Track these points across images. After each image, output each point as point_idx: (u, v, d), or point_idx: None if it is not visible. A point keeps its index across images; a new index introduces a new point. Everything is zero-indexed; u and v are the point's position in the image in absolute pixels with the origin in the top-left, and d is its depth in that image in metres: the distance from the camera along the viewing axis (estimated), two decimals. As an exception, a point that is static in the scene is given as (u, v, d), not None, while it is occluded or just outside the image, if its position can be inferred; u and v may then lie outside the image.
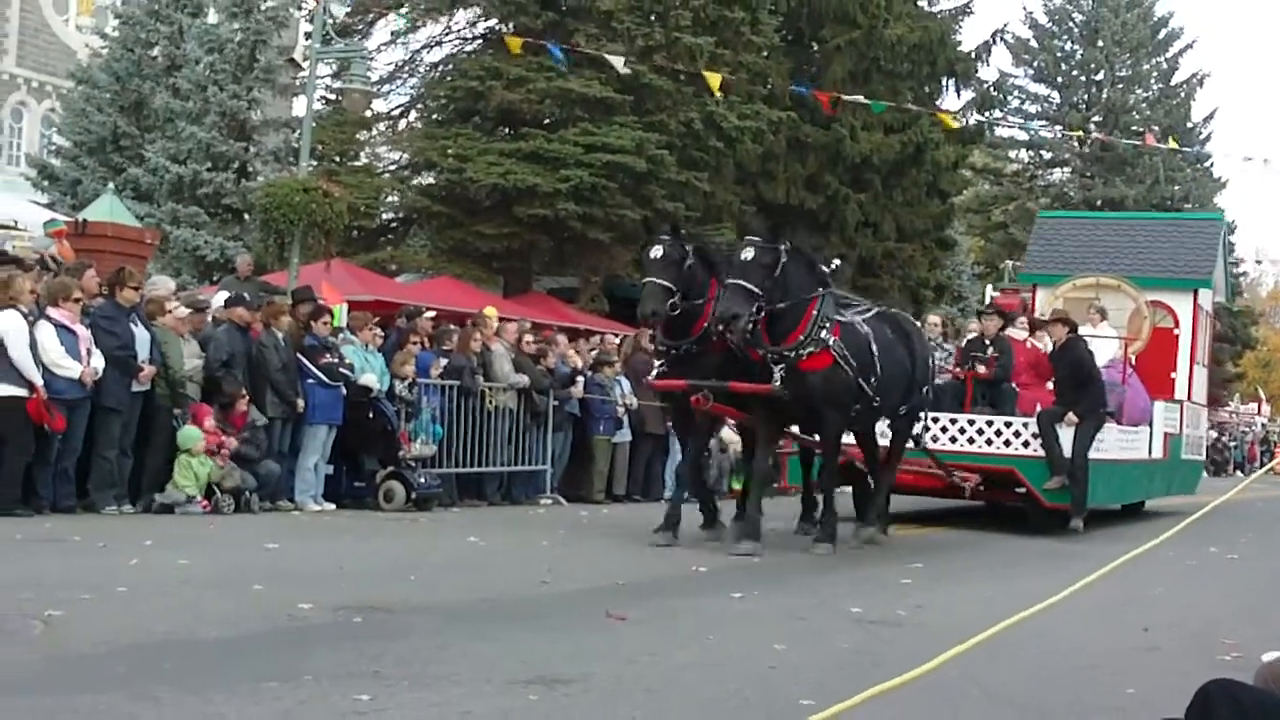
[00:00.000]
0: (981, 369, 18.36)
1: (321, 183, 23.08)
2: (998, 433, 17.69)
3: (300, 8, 37.37)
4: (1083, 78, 65.84)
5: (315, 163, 28.98)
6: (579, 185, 29.16)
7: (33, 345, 13.63)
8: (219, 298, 18.03)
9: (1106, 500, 19.45)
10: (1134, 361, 21.19)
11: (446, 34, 35.08)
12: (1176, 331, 23.08)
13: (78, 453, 14.25)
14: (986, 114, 45.09)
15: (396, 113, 36.29)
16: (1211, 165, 66.98)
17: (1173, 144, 44.54)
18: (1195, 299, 23.22)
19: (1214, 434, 48.05)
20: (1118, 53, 64.93)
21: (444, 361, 18.28)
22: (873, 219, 37.79)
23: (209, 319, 16.81)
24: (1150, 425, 21.00)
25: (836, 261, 16.78)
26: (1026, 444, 17.55)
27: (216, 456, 15.11)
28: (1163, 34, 65.79)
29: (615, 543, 13.91)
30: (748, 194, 35.52)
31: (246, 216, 31.62)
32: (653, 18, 31.57)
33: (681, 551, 13.39)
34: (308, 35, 32.06)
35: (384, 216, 34.44)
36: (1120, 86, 65.18)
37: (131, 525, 13.28)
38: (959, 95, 43.20)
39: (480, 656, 7.59)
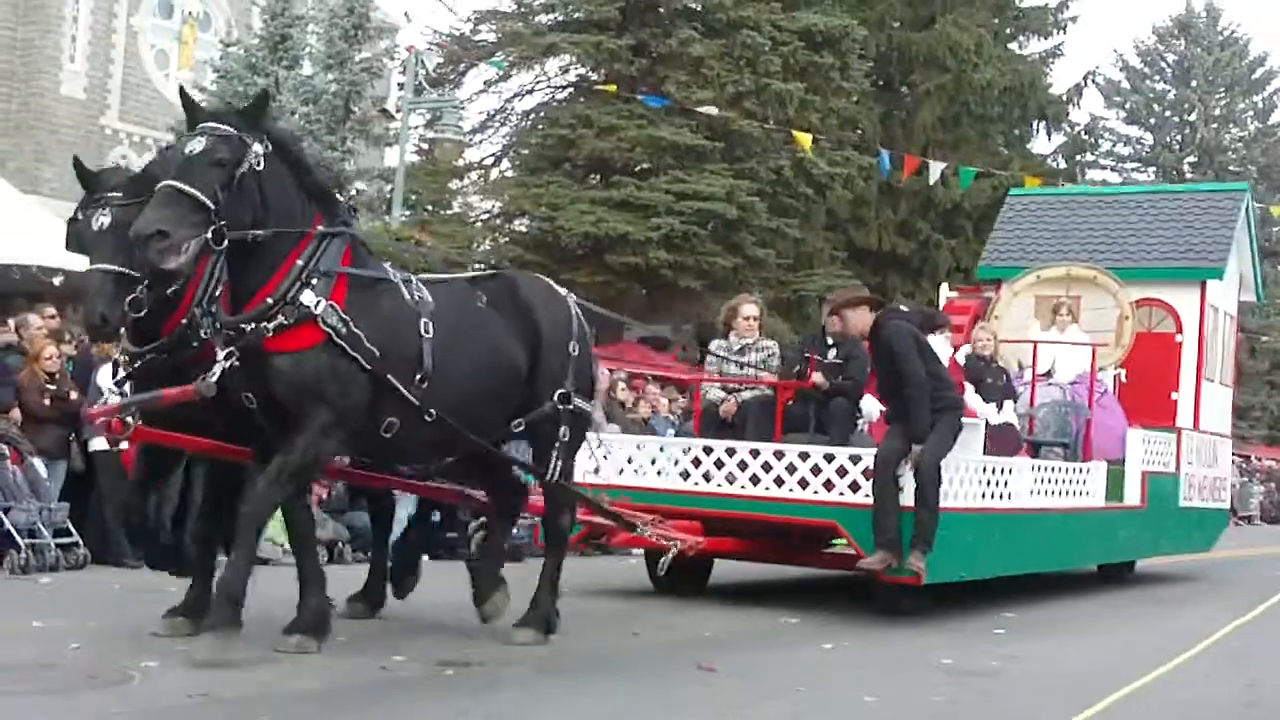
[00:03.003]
0: (818, 377, 12.76)
1: (415, 232, 23.30)
2: (815, 470, 11.84)
3: (394, 59, 37.80)
4: (1176, 118, 65.18)
5: (409, 212, 29.28)
6: (670, 233, 29.23)
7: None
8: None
9: (1014, 567, 13.57)
10: (1122, 376, 16.59)
11: (538, 82, 35.36)
12: (1179, 338, 17.34)
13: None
14: (1078, 157, 44.77)
15: (488, 162, 36.59)
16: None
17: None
18: (1203, 295, 17.35)
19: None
20: (1211, 92, 64.24)
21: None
22: (964, 264, 37.60)
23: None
24: (1122, 461, 15.85)
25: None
26: (856, 486, 11.67)
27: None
28: (1259, 73, 65.02)
29: (703, 593, 13.79)
30: (839, 240, 35.50)
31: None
32: (743, 64, 31.66)
33: (771, 600, 13.23)
34: (401, 86, 32.46)
35: (477, 265, 34.60)
36: (1215, 126, 64.45)
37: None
38: (1050, 138, 43.06)
39: (572, 709, 7.57)
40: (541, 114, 34.60)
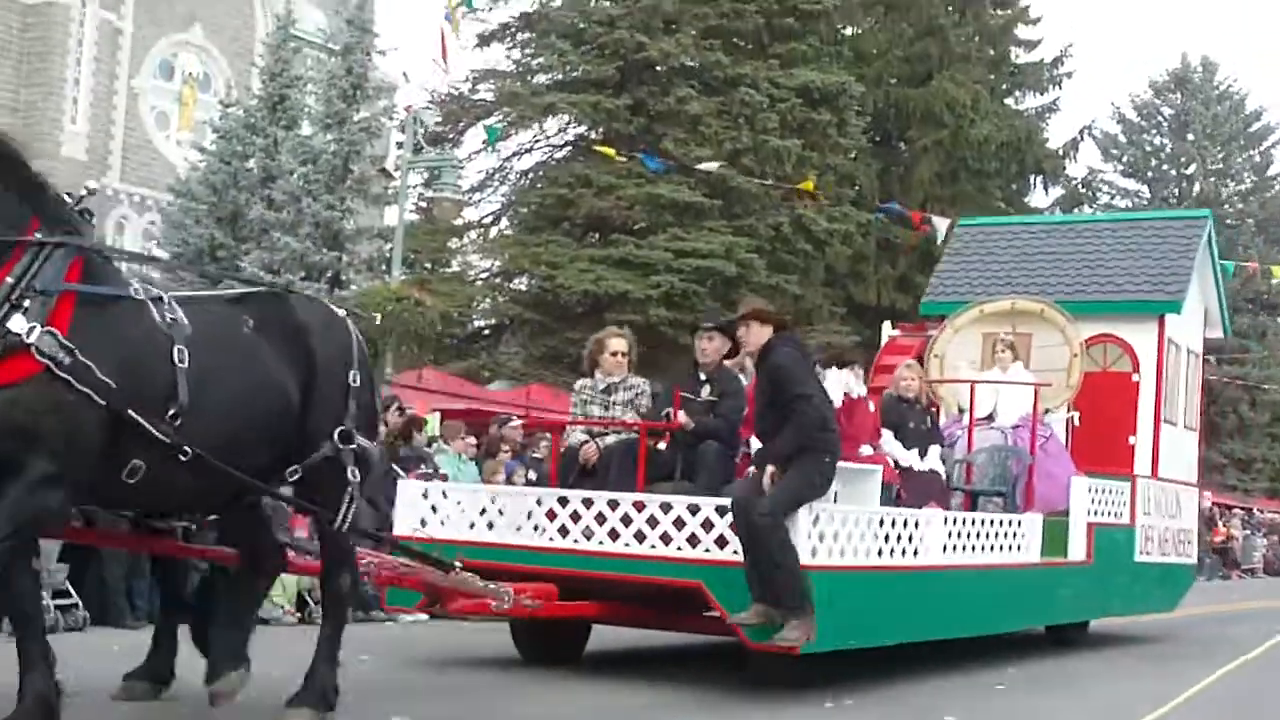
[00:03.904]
0: (683, 417, 11.14)
1: (414, 291, 23.34)
2: (678, 523, 10.18)
3: (392, 118, 37.97)
4: (1173, 171, 65.46)
5: (408, 271, 29.33)
6: (669, 291, 29.31)
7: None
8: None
9: (923, 632, 11.78)
10: (1075, 420, 15.24)
11: (536, 141, 35.50)
12: (1136, 377, 15.83)
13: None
14: (1076, 211, 44.98)
15: (488, 220, 36.76)
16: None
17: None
18: (1161, 330, 15.86)
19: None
20: (1209, 146, 64.52)
21: (533, 474, 18.16)
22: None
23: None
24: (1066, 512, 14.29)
25: None
26: (724, 542, 10.03)
27: (308, 567, 15.09)
28: (1255, 126, 65.30)
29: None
30: (838, 296, 35.54)
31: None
32: (740, 121, 31.80)
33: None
34: (400, 145, 32.61)
35: (476, 324, 34.72)
36: (1213, 180, 64.71)
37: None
38: (1047, 192, 43.19)
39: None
40: (540, 173, 34.74)
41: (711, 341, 11.32)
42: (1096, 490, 14.52)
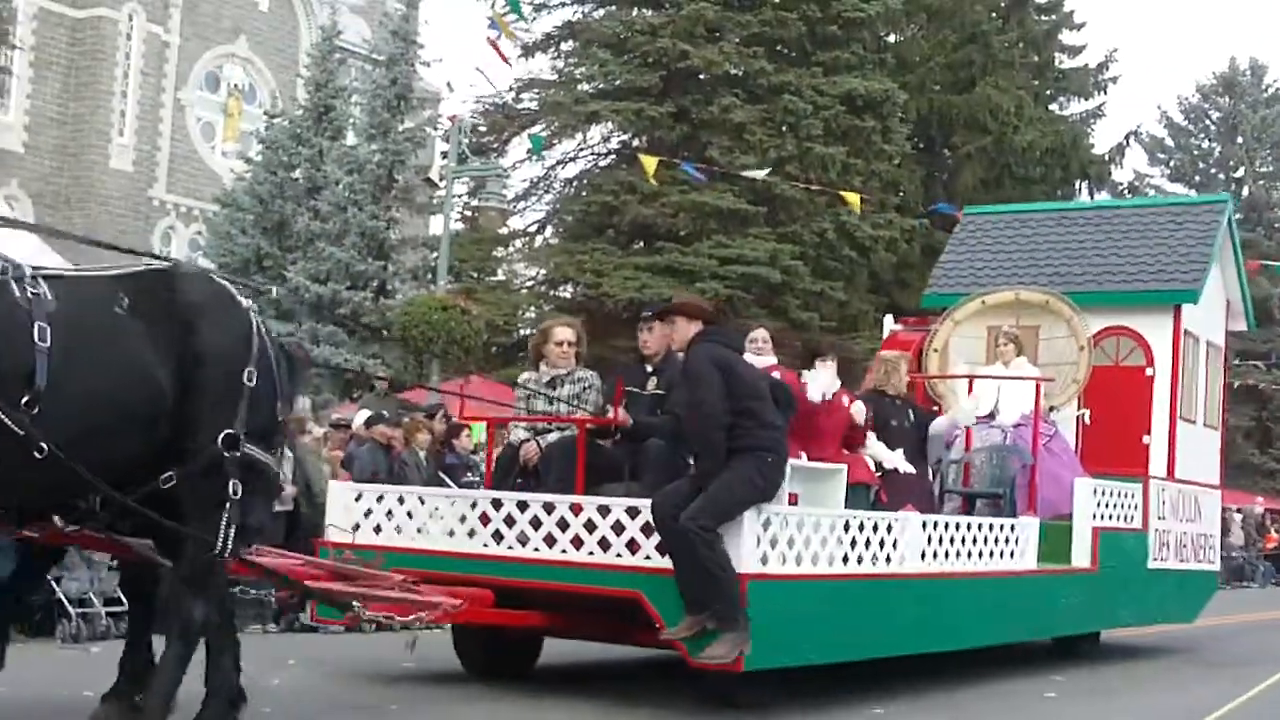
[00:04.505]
0: (624, 412, 10.21)
1: (459, 300, 23.42)
2: (617, 528, 9.34)
3: (437, 128, 38.12)
4: (1221, 175, 64.92)
5: (453, 280, 29.44)
6: (714, 297, 29.26)
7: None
8: (360, 417, 18.22)
9: (899, 645, 10.74)
10: (1086, 418, 14.51)
11: (580, 150, 35.56)
12: (1150, 372, 14.78)
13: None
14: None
15: (532, 229, 36.81)
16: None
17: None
18: (1177, 321, 14.83)
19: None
20: (1258, 149, 63.96)
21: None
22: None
23: (350, 437, 16.95)
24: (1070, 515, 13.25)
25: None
26: (665, 548, 9.12)
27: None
28: (1305, 129, 64.76)
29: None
30: (882, 302, 35.43)
31: (385, 334, 32.09)
32: (784, 129, 31.78)
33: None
34: (444, 155, 32.72)
35: (521, 332, 34.79)
36: (1262, 183, 64.20)
37: (275, 645, 13.32)
38: (1093, 198, 42.98)
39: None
40: (584, 181, 34.80)
41: (653, 330, 10.50)
42: (1103, 493, 13.54)
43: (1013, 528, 12.03)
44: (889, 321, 16.84)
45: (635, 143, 33.14)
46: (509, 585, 9.63)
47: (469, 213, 35.03)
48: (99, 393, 6.66)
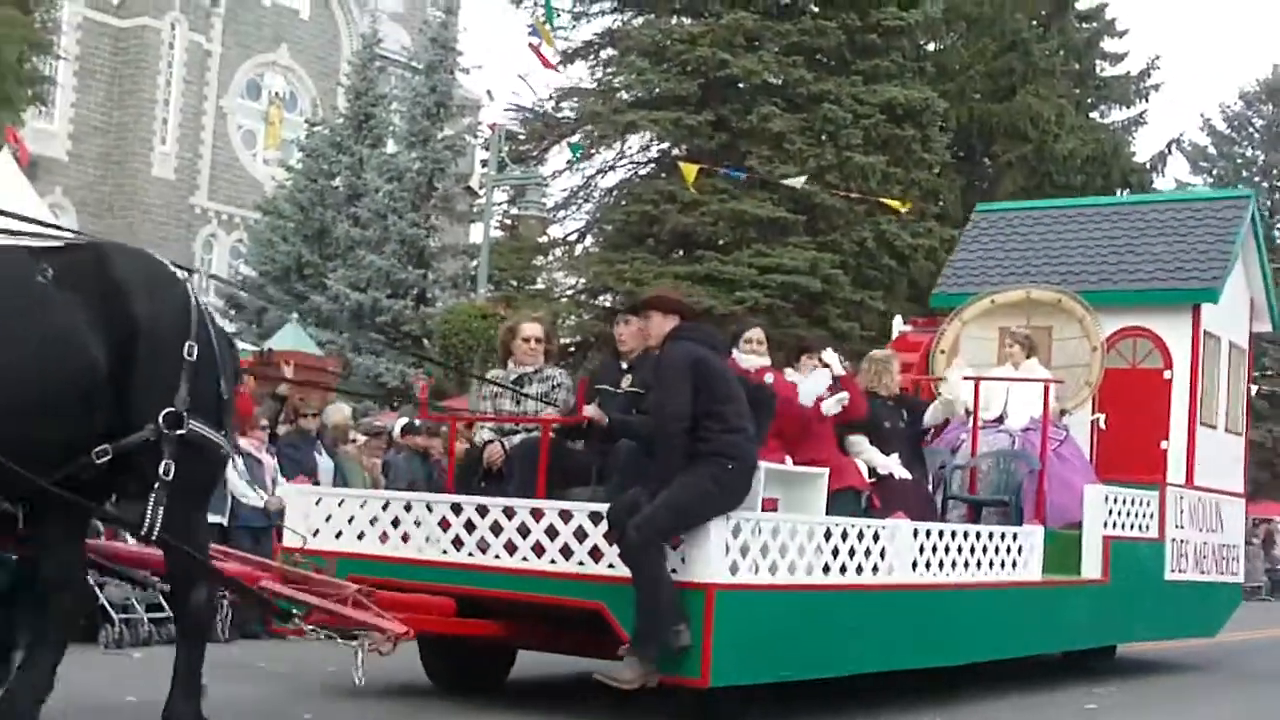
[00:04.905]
0: (592, 410, 9.66)
1: (499, 308, 23.46)
2: (580, 535, 8.75)
3: (476, 136, 38.25)
4: (1265, 184, 64.55)
5: (493, 288, 29.50)
6: (754, 306, 29.27)
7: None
8: (398, 425, 18.28)
9: (884, 661, 10.03)
10: (1101, 423, 13.97)
11: (619, 159, 35.61)
12: (1167, 374, 14.17)
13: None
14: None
15: (572, 237, 36.85)
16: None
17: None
18: (1196, 321, 14.20)
19: None
20: (1302, 157, 63.57)
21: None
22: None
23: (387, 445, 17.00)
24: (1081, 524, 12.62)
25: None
26: None
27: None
28: (1350, 137, 64.29)
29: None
30: (922, 311, 35.36)
31: (426, 342, 32.20)
32: (824, 138, 31.76)
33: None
34: (484, 163, 32.85)
35: (562, 340, 34.83)
36: (1306, 191, 63.78)
37: (317, 651, 13.31)
38: (1132, 206, 42.74)
39: None
40: (624, 190, 34.84)
41: (629, 325, 9.99)
42: (1116, 500, 12.85)
43: (1015, 536, 11.47)
44: (898, 323, 16.62)
45: (674, 151, 33.15)
46: (469, 594, 9.09)
47: (509, 221, 35.13)
48: (17, 366, 6.17)
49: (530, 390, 10.18)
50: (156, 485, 6.51)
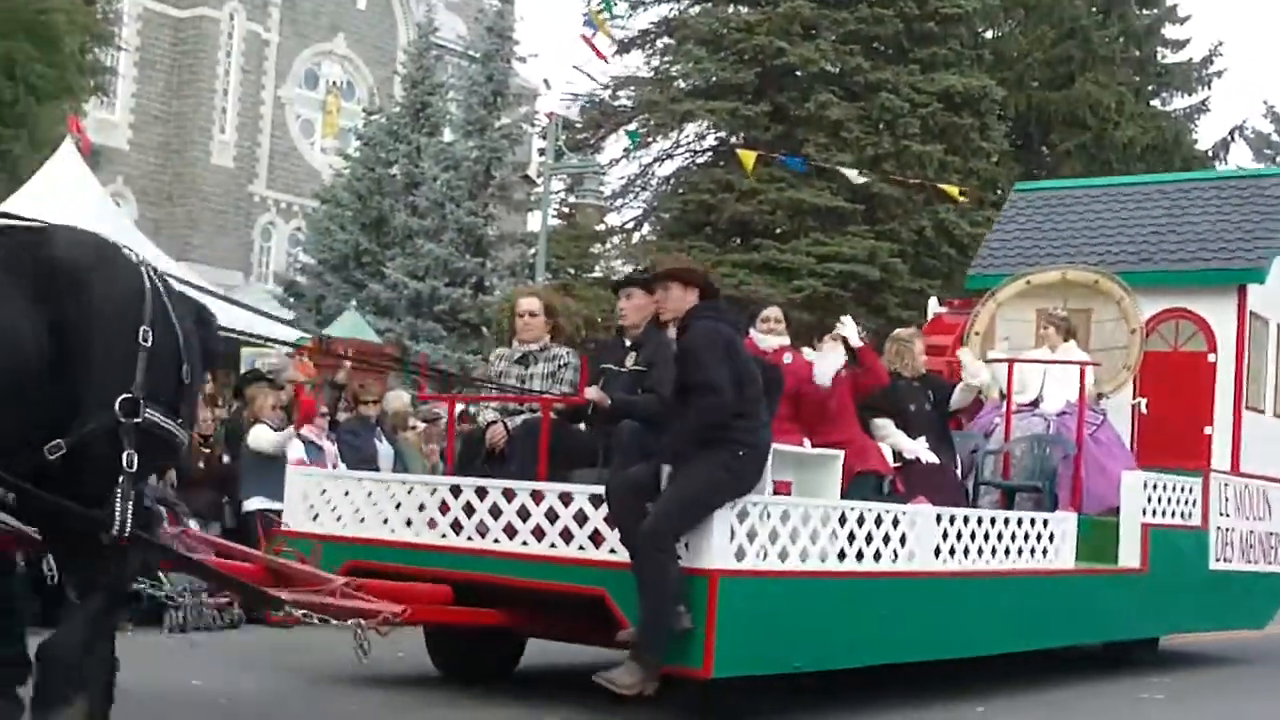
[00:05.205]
0: (593, 392, 9.25)
1: (558, 296, 23.42)
2: (580, 518, 8.37)
3: (533, 124, 38.30)
4: (1328, 173, 63.93)
5: (551, 276, 29.52)
6: (812, 295, 29.21)
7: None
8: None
9: (908, 652, 9.60)
10: (1142, 407, 13.32)
11: (676, 148, 35.60)
12: (1212, 358, 13.59)
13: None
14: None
15: (630, 226, 36.90)
16: None
17: None
18: (1242, 303, 13.56)
19: None
20: (1368, 145, 62.89)
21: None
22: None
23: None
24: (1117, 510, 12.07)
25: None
26: None
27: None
28: None
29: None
30: (981, 300, 35.29)
31: (484, 330, 32.28)
32: (881, 127, 31.67)
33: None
34: (541, 151, 32.89)
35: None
36: (1369, 181, 63.06)
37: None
38: (1196, 195, 42.37)
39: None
40: (681, 178, 34.84)
41: (631, 299, 9.46)
42: (1155, 486, 12.27)
43: (1046, 523, 10.91)
44: (933, 304, 16.09)
45: (731, 140, 33.13)
46: (469, 580, 8.69)
47: (566, 209, 35.17)
48: None
49: (536, 369, 9.70)
50: (121, 479, 6.01)
